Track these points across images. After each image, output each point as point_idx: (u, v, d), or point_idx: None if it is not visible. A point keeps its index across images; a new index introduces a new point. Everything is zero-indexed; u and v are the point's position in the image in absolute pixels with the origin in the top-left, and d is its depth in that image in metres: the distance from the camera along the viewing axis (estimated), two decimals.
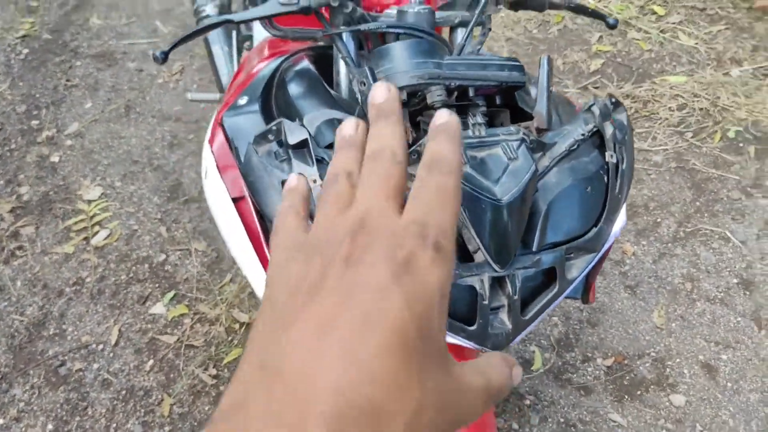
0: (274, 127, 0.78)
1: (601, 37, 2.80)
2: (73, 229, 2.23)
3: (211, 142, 0.92)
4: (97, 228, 2.23)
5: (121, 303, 2.01)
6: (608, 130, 0.85)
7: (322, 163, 0.77)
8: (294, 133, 0.77)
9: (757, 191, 2.15)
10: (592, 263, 0.86)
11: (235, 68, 1.87)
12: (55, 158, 2.50)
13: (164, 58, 0.85)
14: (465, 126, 0.80)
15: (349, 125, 0.36)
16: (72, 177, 2.42)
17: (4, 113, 2.71)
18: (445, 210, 0.29)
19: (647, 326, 1.82)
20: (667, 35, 2.71)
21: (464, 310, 0.79)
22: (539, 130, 0.84)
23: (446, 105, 0.79)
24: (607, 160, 0.84)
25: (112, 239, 2.19)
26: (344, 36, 0.89)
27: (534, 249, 0.80)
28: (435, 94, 0.78)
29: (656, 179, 2.22)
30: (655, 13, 2.83)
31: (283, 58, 0.99)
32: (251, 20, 0.86)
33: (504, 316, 0.81)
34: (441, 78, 0.78)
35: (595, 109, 0.85)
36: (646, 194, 2.17)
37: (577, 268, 0.85)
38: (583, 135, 0.85)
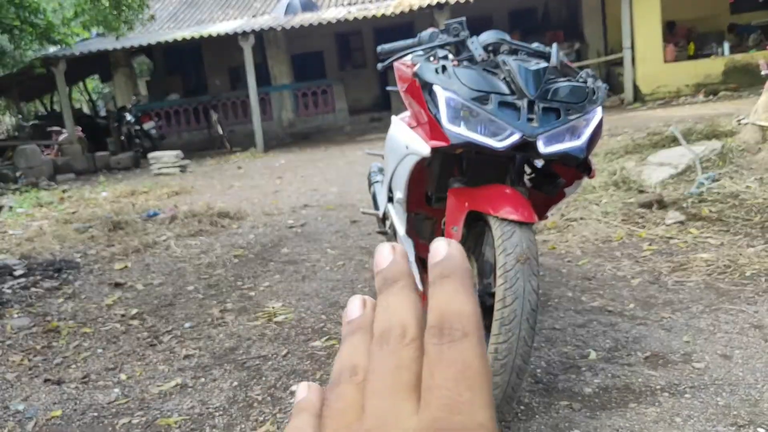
0: (432, 52, 1.97)
1: (650, 243, 3.75)
2: (261, 317, 3.20)
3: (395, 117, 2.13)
4: (277, 315, 3.19)
5: (292, 341, 2.85)
6: (590, 81, 1.95)
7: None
8: (439, 54, 1.95)
9: None
10: (584, 117, 1.86)
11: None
12: (251, 294, 3.61)
13: (383, 69, 2.13)
14: (515, 55, 1.96)
15: (353, 306, 0.30)
16: (262, 300, 3.49)
17: (220, 278, 3.97)
18: (473, 393, 0.22)
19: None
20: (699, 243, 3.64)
21: (514, 119, 1.81)
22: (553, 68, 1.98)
23: (510, 51, 1.97)
24: (590, 86, 1.93)
25: (288, 320, 3.13)
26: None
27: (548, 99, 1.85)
28: (503, 47, 1.97)
29: None
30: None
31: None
32: (442, 46, 2.10)
33: (534, 123, 1.82)
34: (506, 41, 1.99)
35: (584, 73, 1.98)
36: None
37: (573, 116, 1.86)
38: (579, 78, 1.96)
